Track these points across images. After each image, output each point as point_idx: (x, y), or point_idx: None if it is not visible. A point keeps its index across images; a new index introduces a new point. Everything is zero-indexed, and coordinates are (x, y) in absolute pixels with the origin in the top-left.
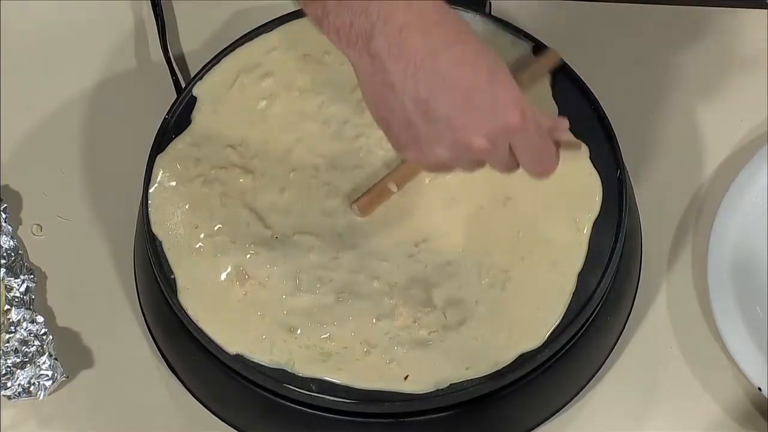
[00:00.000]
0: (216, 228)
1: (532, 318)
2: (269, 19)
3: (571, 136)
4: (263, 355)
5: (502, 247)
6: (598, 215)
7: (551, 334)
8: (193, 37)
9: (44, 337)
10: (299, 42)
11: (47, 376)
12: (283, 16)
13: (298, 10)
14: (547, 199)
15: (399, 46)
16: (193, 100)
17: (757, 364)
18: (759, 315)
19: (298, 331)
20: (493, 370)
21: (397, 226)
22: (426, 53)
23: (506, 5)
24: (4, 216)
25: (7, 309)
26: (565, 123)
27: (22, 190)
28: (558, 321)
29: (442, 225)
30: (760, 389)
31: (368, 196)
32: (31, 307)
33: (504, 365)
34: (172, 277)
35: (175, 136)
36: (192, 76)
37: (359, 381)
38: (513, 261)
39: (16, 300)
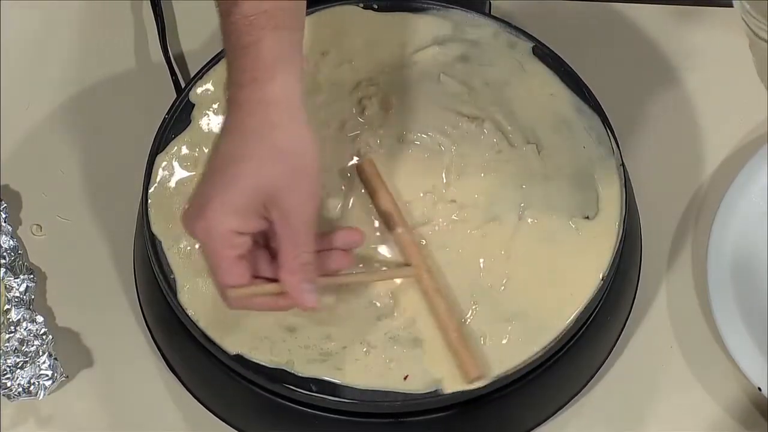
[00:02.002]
0: None
1: (531, 319)
2: None
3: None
4: (263, 355)
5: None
6: (598, 216)
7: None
8: (193, 37)
9: (44, 336)
10: None
11: (47, 376)
12: None
13: None
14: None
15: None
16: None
17: (757, 364)
18: (759, 315)
19: (298, 331)
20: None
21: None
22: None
23: (506, 5)
24: (4, 216)
25: (7, 309)
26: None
27: (22, 190)
28: (557, 322)
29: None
30: (760, 389)
31: (467, 362)
32: (31, 307)
33: (504, 365)
34: (172, 277)
35: (175, 136)
36: (192, 76)
37: (359, 381)
38: (513, 262)
39: (16, 300)
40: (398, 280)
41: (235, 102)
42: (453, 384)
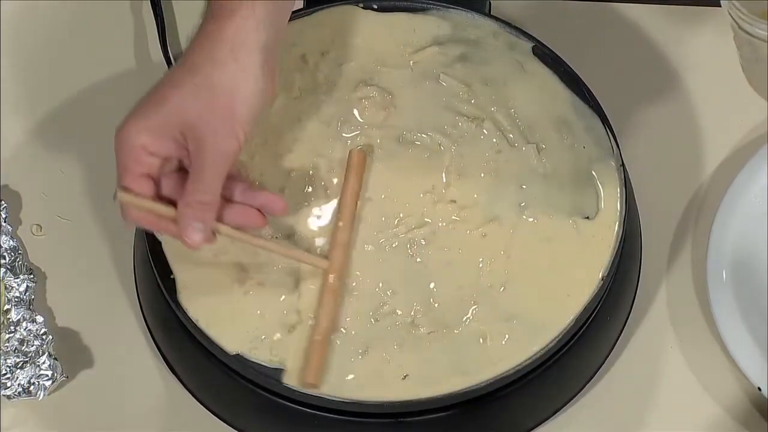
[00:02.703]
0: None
1: (531, 319)
2: None
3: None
4: (263, 355)
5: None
6: (598, 216)
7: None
8: None
9: (44, 337)
10: (299, 42)
11: (47, 376)
12: None
13: (298, 10)
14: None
15: None
16: None
17: (757, 364)
18: (759, 315)
19: (298, 331)
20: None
21: (397, 224)
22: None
23: (506, 5)
24: (4, 216)
25: (7, 309)
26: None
27: (22, 190)
28: (557, 322)
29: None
30: (759, 389)
31: (311, 366)
32: (31, 307)
33: (504, 365)
34: (172, 277)
35: None
36: None
37: (359, 381)
38: (513, 262)
39: (16, 300)
40: (307, 267)
41: (195, 35)
42: (291, 377)
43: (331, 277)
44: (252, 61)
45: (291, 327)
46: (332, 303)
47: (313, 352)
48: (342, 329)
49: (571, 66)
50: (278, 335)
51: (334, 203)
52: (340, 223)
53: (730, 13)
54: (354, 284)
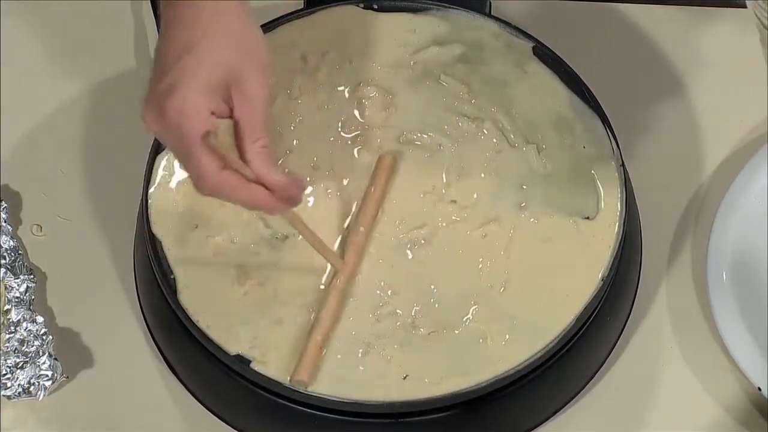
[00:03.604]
0: (216, 228)
1: (531, 319)
2: (269, 20)
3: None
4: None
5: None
6: (598, 216)
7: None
8: None
9: (44, 337)
10: (299, 42)
11: (47, 376)
12: (283, 16)
13: (298, 10)
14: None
15: None
16: None
17: (757, 364)
18: (759, 315)
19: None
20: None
21: (397, 225)
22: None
23: (506, 5)
24: (4, 216)
25: (7, 309)
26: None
27: (22, 190)
28: (557, 322)
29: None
30: (760, 389)
31: (305, 363)
32: (31, 307)
33: (504, 365)
34: (172, 277)
35: None
36: None
37: (359, 381)
38: (513, 262)
39: (16, 300)
40: (294, 244)
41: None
42: (276, 369)
43: (341, 280)
44: (248, 11)
45: (279, 320)
46: (336, 305)
47: (310, 350)
48: (343, 329)
49: (571, 66)
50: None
51: (333, 204)
52: (361, 228)
53: (756, 14)
54: (357, 281)
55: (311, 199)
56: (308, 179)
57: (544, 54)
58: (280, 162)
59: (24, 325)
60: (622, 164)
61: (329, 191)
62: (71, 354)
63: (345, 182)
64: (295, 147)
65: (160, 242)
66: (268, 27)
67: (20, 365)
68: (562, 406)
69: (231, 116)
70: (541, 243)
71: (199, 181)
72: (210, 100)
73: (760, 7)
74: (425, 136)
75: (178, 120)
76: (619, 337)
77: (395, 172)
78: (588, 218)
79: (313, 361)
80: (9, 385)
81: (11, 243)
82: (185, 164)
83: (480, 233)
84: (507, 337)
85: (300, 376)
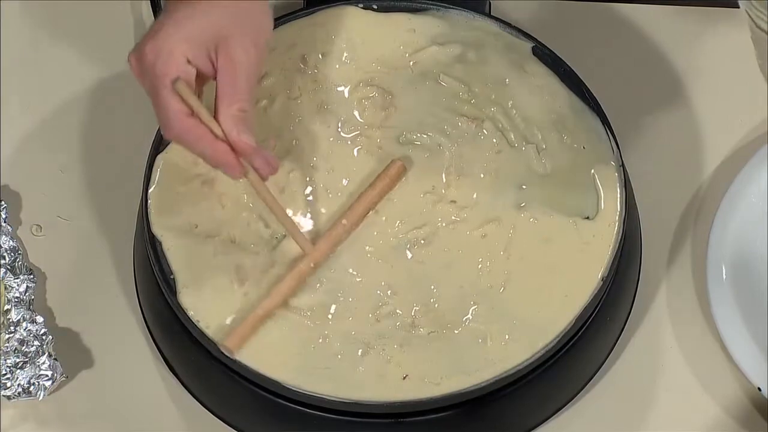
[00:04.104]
0: (216, 228)
1: (531, 319)
2: None
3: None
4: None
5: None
6: (598, 216)
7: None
8: None
9: (44, 337)
10: (299, 42)
11: (47, 376)
12: (283, 16)
13: (298, 10)
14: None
15: None
16: None
17: (757, 364)
18: (759, 315)
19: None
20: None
21: (397, 225)
22: None
23: (506, 5)
24: (4, 216)
25: (7, 309)
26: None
27: (22, 190)
28: (557, 322)
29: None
30: (759, 389)
31: (238, 331)
32: (31, 307)
33: (503, 365)
34: (172, 277)
35: None
36: None
37: (359, 381)
38: (513, 263)
39: (16, 300)
40: (294, 245)
41: None
42: (215, 330)
43: (304, 263)
44: None
45: (291, 327)
46: (292, 286)
47: (248, 321)
48: (342, 329)
49: (570, 66)
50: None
51: (333, 204)
52: (344, 221)
53: (748, 12)
54: (356, 281)
55: (310, 198)
56: (308, 179)
57: (544, 54)
58: (280, 161)
59: (24, 325)
60: (622, 164)
61: (328, 191)
62: (71, 354)
63: (344, 182)
64: (294, 147)
65: (160, 242)
66: None
67: (20, 365)
68: (562, 406)
69: (215, 78)
70: (541, 243)
71: (164, 124)
72: (189, 49)
73: (753, 8)
74: (425, 136)
75: (153, 60)
76: (619, 337)
77: (400, 179)
78: (588, 218)
79: (246, 332)
80: (9, 385)
81: (11, 243)
82: (155, 107)
83: (480, 233)
84: (507, 337)
85: (228, 342)
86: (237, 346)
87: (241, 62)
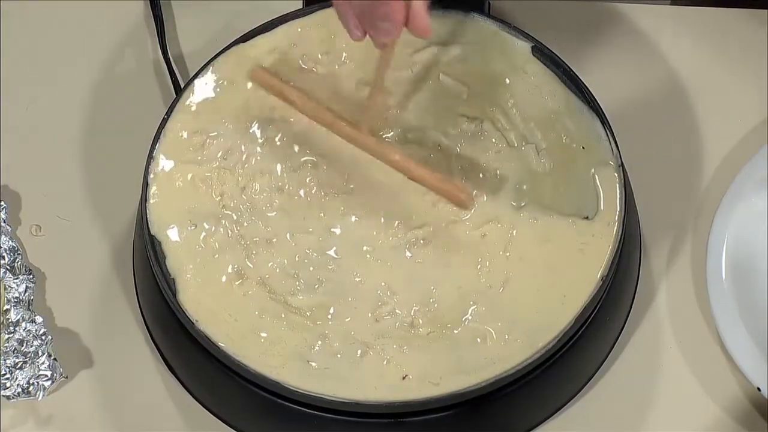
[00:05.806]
0: (215, 228)
1: (531, 319)
2: (269, 19)
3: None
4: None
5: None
6: (597, 216)
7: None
8: (193, 37)
9: (43, 337)
10: (299, 42)
11: (46, 376)
12: (282, 16)
13: (298, 9)
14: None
15: None
16: None
17: (756, 364)
18: (759, 315)
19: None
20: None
21: (396, 225)
22: None
23: (506, 5)
24: (4, 216)
25: (7, 309)
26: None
27: (22, 190)
28: (557, 322)
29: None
30: (759, 389)
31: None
32: (31, 307)
33: (503, 365)
34: (172, 277)
35: None
36: (191, 76)
37: (359, 381)
38: (512, 262)
39: (16, 300)
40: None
41: None
42: (214, 330)
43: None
44: None
45: (290, 327)
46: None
47: (278, 88)
48: (343, 330)
49: (570, 66)
50: (278, 335)
51: (332, 204)
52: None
53: None
54: (356, 281)
55: (309, 199)
56: (308, 179)
57: (544, 54)
58: (280, 160)
59: (23, 325)
60: (621, 164)
61: (328, 190)
62: (71, 354)
63: (344, 182)
64: (294, 147)
65: (160, 242)
66: (268, 27)
67: (19, 365)
68: (562, 406)
69: None
70: (541, 243)
71: None
72: None
73: None
74: (425, 135)
75: None
76: (619, 337)
77: (448, 198)
78: (587, 218)
79: (274, 86)
80: (8, 385)
81: (11, 243)
82: None
83: (479, 233)
84: (506, 337)
85: (256, 70)
86: (257, 78)
87: None
